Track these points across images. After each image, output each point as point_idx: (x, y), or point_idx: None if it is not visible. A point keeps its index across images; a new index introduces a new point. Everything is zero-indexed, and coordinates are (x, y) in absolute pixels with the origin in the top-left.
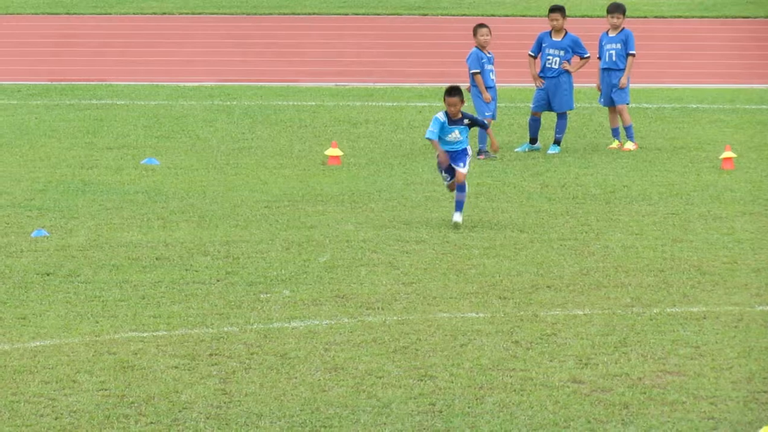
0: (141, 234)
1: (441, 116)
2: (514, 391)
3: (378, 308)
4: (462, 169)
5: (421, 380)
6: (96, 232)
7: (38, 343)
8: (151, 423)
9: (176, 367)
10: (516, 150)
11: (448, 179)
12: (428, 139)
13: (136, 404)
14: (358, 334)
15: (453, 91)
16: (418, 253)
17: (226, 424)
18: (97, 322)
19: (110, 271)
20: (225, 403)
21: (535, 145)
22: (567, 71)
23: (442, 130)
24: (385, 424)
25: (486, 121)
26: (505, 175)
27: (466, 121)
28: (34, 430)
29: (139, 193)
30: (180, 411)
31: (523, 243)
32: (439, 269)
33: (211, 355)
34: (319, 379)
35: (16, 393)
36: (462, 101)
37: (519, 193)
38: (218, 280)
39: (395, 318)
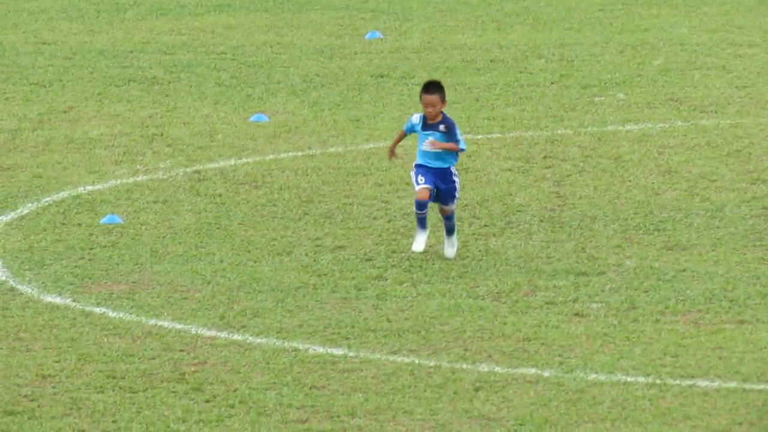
0: (475, 36)
1: (416, 118)
2: None
3: (711, 111)
4: (449, 207)
5: (754, 184)
6: (430, 35)
7: (372, 146)
8: (485, 226)
9: (510, 170)
10: None
11: (423, 181)
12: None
13: (470, 207)
14: (692, 137)
15: (431, 87)
16: (751, 57)
17: (560, 227)
18: None
19: (444, 73)
20: (559, 206)
21: None
22: None
23: (417, 135)
24: (718, 227)
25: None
26: None
27: (442, 126)
28: (367, 232)
29: None
30: (514, 213)
31: None
32: None
33: (545, 157)
34: (653, 182)
35: (349, 195)
36: (442, 101)
37: None
38: (552, 83)
39: (728, 121)
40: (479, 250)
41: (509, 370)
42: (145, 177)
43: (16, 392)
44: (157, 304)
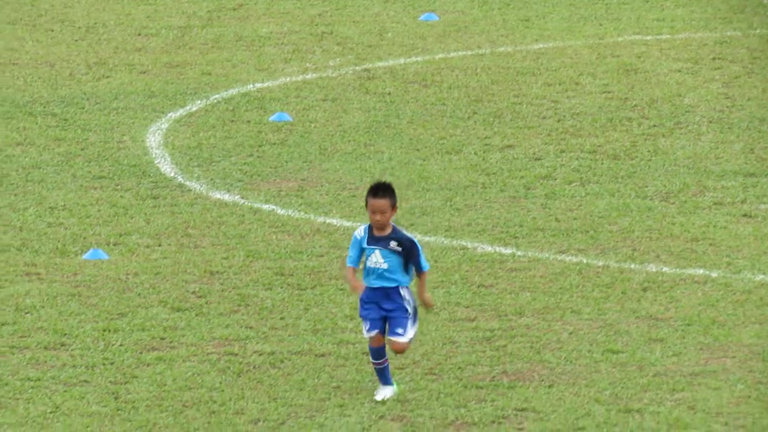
0: None
1: (360, 232)
2: None
3: None
4: (400, 339)
5: None
6: None
7: (541, 46)
8: (654, 126)
9: (679, 71)
10: None
11: (369, 328)
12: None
13: (639, 107)
14: None
15: (380, 191)
16: None
17: (729, 128)
18: (601, 25)
19: None
20: (727, 107)
21: None
22: None
23: (362, 252)
24: None
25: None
26: None
27: (393, 243)
28: (535, 131)
29: None
30: (683, 114)
31: None
32: None
33: (714, 59)
34: None
35: (518, 95)
36: (393, 207)
37: None
38: None
39: None
40: (648, 150)
41: (677, 270)
42: (314, 75)
43: (185, 288)
44: (326, 202)
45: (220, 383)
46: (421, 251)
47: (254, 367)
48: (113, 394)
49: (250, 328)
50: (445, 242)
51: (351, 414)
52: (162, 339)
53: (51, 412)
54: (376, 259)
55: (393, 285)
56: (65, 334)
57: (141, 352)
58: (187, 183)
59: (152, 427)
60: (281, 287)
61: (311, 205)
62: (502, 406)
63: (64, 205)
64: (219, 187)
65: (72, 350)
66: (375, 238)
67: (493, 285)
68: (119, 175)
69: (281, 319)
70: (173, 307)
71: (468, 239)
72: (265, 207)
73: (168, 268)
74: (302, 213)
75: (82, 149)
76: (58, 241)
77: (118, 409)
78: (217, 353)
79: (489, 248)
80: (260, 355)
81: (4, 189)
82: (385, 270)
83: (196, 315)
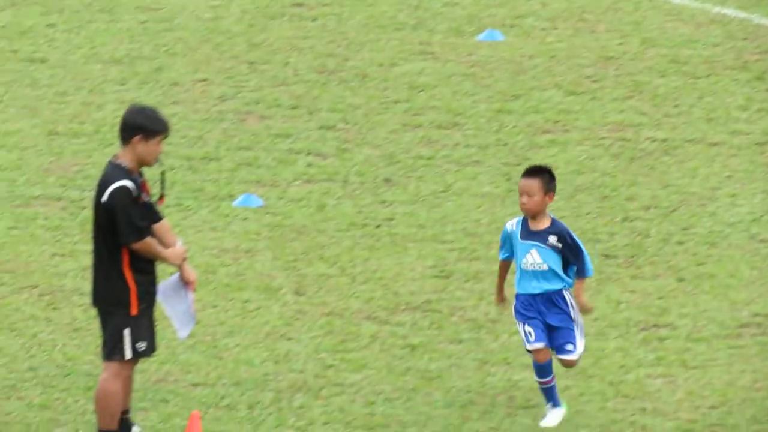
0: None
1: (512, 224)
2: None
3: None
4: (571, 356)
5: None
6: None
7: None
8: None
9: None
10: None
11: (534, 339)
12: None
13: None
14: None
15: (531, 171)
16: None
17: None
18: None
19: None
20: None
21: None
22: None
23: (514, 248)
24: None
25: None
26: None
27: (552, 238)
28: None
29: None
30: None
31: None
32: None
33: None
34: None
35: None
36: (547, 192)
37: None
38: None
39: None
40: None
41: None
42: None
43: (579, 72)
44: None
45: (613, 168)
46: (586, 253)
47: (647, 154)
48: (505, 175)
49: (644, 114)
50: None
51: (743, 204)
52: (556, 122)
53: (442, 191)
54: (533, 259)
55: (557, 288)
56: (458, 114)
57: (534, 135)
58: None
59: None
60: (675, 75)
61: None
62: None
63: None
64: None
65: (465, 130)
66: (530, 232)
67: None
68: None
69: (675, 106)
70: (567, 91)
71: None
72: None
73: (563, 51)
74: (698, 2)
75: None
76: (454, 21)
77: (509, 191)
78: (610, 138)
79: None
80: (653, 141)
81: None
82: (545, 271)
83: (590, 99)
